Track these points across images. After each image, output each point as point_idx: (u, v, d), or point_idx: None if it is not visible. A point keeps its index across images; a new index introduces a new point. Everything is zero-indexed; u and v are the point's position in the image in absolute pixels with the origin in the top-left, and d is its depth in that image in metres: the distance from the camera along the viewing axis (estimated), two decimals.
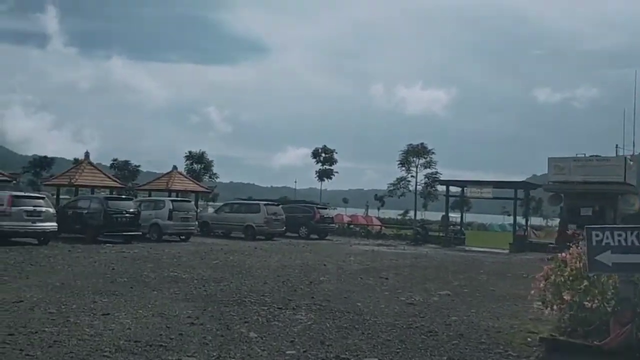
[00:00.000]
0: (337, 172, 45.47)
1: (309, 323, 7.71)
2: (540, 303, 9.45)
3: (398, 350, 6.50)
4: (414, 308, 9.30)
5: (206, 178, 46.38)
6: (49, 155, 68.95)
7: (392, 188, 35.00)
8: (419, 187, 34.77)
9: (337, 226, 32.29)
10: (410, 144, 34.08)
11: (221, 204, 34.68)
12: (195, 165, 46.25)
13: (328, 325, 7.66)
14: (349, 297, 10.13)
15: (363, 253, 20.95)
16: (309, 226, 28.98)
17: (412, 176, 34.48)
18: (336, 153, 44.85)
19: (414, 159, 34.03)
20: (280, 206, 28.47)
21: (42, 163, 65.02)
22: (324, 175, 44.76)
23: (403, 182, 34.66)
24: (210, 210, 34.54)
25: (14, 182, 27.52)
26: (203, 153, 46.61)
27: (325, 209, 32.20)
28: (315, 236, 29.13)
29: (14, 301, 8.17)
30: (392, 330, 7.55)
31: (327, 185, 46.16)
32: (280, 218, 26.90)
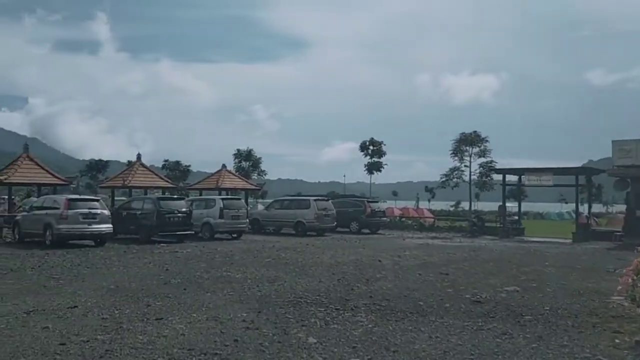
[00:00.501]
0: (386, 165, 44.47)
1: (370, 326, 7.20)
2: (622, 298, 8.60)
3: (472, 357, 5.91)
4: (481, 307, 8.64)
5: (255, 175, 46.46)
6: (104, 159, 71.12)
7: (444, 179, 33.70)
8: (474, 177, 33.36)
9: (388, 220, 31.53)
10: (463, 133, 32.79)
11: (271, 200, 34.60)
12: (243, 163, 46.37)
13: (391, 328, 7.13)
14: (410, 295, 9.55)
15: (418, 247, 20.27)
16: (360, 221, 28.43)
17: (465, 166, 33.12)
18: (384, 145, 43.83)
19: (467, 147, 32.70)
20: (330, 201, 28.03)
21: (98, 166, 67.17)
22: (373, 168, 43.79)
23: (456, 172, 33.34)
24: (260, 207, 34.55)
25: (73, 185, 28.21)
26: (251, 150, 46.70)
27: (376, 202, 31.50)
28: (367, 231, 28.57)
29: (68, 307, 8.05)
30: (462, 332, 6.94)
31: (376, 178, 45.33)
32: (331, 213, 26.48)
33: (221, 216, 22.71)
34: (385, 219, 30.34)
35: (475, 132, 32.75)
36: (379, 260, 15.06)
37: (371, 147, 44.06)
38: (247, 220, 24.61)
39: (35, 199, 23.12)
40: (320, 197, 28.74)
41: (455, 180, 33.53)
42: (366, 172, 44.48)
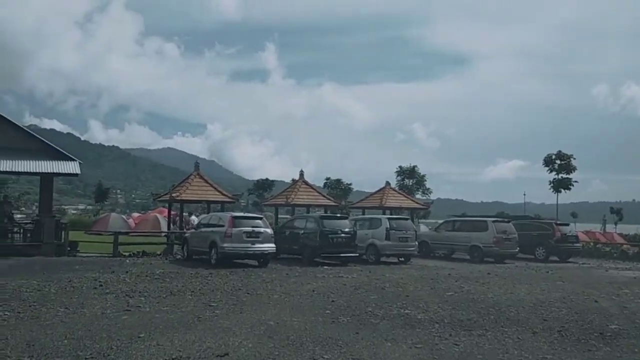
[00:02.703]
0: (576, 182, 38.30)
1: None
2: None
3: None
4: None
5: (419, 194, 43.83)
6: (271, 178, 74.01)
7: None
8: None
9: (581, 246, 26.82)
10: None
11: (438, 221, 31.73)
12: (406, 181, 44.07)
13: None
14: None
15: (632, 282, 16.17)
16: (548, 246, 24.34)
17: None
18: (574, 159, 37.65)
19: None
20: (511, 223, 24.44)
21: (264, 185, 69.94)
22: (560, 185, 38.17)
23: None
24: (423, 228, 31.85)
25: (243, 203, 28.49)
26: (414, 167, 44.22)
27: (567, 225, 26.97)
28: (555, 258, 24.39)
29: (217, 354, 6.43)
30: None
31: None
32: (512, 237, 22.98)
33: (387, 237, 20.65)
34: (577, 245, 25.77)
35: None
36: (595, 301, 11.70)
37: (558, 162, 38.48)
38: (416, 242, 22.23)
39: (204, 215, 23.30)
40: (499, 219, 25.31)
41: None
42: (551, 190, 38.95)
